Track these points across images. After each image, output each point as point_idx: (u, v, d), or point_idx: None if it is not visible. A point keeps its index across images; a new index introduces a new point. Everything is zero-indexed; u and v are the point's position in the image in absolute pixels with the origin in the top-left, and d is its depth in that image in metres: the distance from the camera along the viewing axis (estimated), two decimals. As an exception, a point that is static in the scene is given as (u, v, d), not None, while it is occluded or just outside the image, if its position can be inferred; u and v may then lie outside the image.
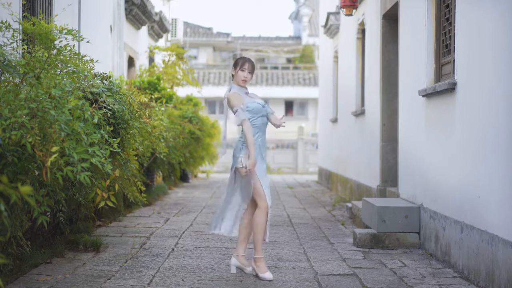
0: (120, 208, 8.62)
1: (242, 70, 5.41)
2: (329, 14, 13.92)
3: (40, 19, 5.53)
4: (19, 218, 4.69)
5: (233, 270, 5.37)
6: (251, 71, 5.45)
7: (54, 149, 3.94)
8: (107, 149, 4.62)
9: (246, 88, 5.48)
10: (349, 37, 11.94)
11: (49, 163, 3.92)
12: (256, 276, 5.23)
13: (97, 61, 5.90)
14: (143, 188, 7.38)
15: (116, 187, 5.83)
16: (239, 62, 5.44)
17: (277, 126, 5.51)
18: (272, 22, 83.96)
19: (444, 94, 6.04)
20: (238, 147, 5.31)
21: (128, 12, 12.97)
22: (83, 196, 5.95)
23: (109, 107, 5.70)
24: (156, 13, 15.36)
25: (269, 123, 5.48)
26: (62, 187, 5.33)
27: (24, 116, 3.97)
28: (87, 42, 6.03)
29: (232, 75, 5.49)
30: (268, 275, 5.17)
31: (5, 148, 4.01)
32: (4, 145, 3.98)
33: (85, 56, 5.64)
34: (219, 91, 33.14)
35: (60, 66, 5.22)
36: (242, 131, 5.34)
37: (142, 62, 14.68)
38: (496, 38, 4.84)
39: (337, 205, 10.80)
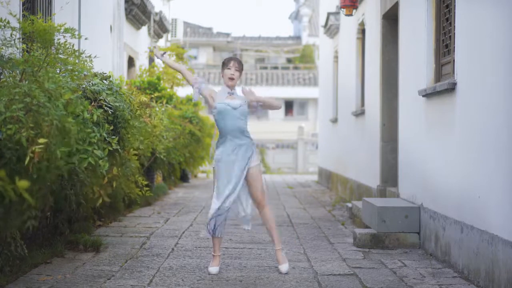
0: (120, 208, 8.61)
1: (228, 68, 5.42)
2: (329, 14, 13.91)
3: (38, 17, 5.53)
4: (19, 217, 4.68)
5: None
6: (238, 69, 5.43)
7: (42, 141, 3.93)
8: (105, 148, 4.62)
9: (233, 90, 5.48)
10: (349, 37, 11.94)
11: (30, 151, 3.88)
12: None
13: (95, 56, 5.89)
14: (144, 182, 7.35)
15: (114, 184, 5.83)
16: (224, 62, 5.48)
17: (252, 104, 5.43)
18: (272, 22, 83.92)
19: (444, 94, 6.04)
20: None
21: (128, 12, 12.96)
22: (82, 195, 5.94)
23: (109, 105, 5.71)
24: (156, 13, 15.36)
25: (248, 125, 5.51)
26: (62, 186, 5.33)
27: (19, 111, 3.96)
28: (85, 39, 6.03)
29: (223, 77, 5.54)
30: (283, 267, 5.43)
31: (2, 145, 3.99)
32: (2, 141, 3.97)
33: (83, 52, 5.64)
34: (219, 91, 33.10)
35: (59, 65, 5.22)
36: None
37: (142, 62, 14.67)
38: (496, 38, 4.84)
39: (337, 205, 10.79)
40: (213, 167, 5.48)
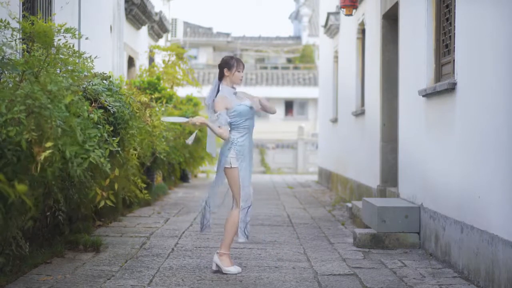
0: (120, 208, 8.61)
1: (239, 71, 5.50)
2: (329, 14, 13.92)
3: (38, 18, 5.53)
4: (19, 218, 4.68)
5: (214, 267, 5.44)
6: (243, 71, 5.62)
7: (48, 144, 3.93)
8: (107, 148, 4.61)
9: (235, 88, 5.55)
10: (349, 37, 11.94)
11: (42, 158, 3.90)
12: (218, 271, 5.38)
13: (96, 57, 5.89)
14: (143, 185, 7.36)
15: (116, 186, 5.83)
16: (234, 64, 5.48)
17: (262, 109, 5.54)
18: (272, 22, 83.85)
19: (444, 94, 6.04)
20: (227, 147, 5.40)
21: (128, 12, 12.96)
22: (83, 195, 5.94)
23: (111, 104, 5.71)
24: (156, 13, 15.35)
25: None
26: (61, 186, 5.33)
27: (20, 113, 3.95)
28: (86, 39, 6.03)
29: (223, 76, 5.50)
30: (233, 268, 5.35)
31: (3, 146, 3.99)
32: (2, 142, 3.97)
33: (84, 53, 5.63)
34: (219, 91, 33.05)
35: (60, 65, 5.22)
36: (229, 131, 5.44)
37: (142, 62, 14.67)
38: (496, 38, 4.84)
39: (337, 205, 10.80)
40: (229, 166, 5.38)
